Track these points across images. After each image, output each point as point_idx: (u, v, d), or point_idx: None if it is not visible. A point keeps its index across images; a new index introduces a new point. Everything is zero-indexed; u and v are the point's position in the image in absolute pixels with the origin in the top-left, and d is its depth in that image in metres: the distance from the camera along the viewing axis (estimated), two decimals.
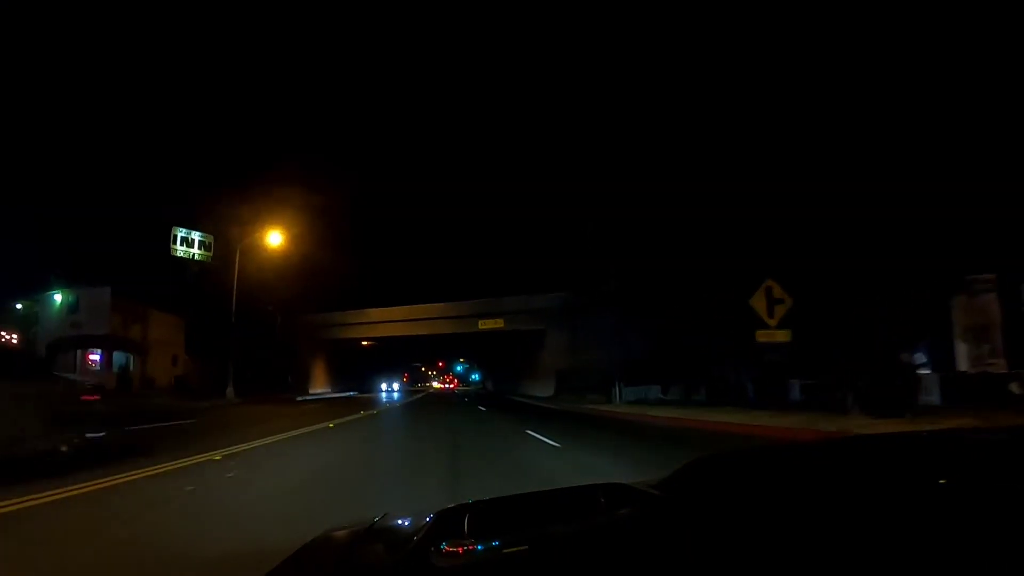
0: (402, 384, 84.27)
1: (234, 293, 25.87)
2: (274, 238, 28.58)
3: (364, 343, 54.38)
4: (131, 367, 27.81)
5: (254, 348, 32.64)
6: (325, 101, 71.65)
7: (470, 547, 1.08)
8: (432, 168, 75.20)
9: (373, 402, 28.75)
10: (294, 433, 10.42)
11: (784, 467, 1.42)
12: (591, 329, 29.20)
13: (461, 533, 1.18)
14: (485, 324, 41.66)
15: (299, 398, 31.33)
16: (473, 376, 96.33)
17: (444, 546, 1.05)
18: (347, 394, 43.13)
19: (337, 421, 13.83)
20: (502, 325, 41.10)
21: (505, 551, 1.07)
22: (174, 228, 30.65)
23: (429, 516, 1.32)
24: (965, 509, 0.87)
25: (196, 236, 31.62)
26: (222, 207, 30.53)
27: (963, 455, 1.23)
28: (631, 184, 25.40)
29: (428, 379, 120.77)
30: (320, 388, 47.22)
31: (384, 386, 65.79)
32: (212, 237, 31.85)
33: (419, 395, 47.50)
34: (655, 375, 24.06)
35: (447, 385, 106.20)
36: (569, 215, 31.31)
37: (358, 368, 61.56)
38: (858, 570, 0.74)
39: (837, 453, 1.49)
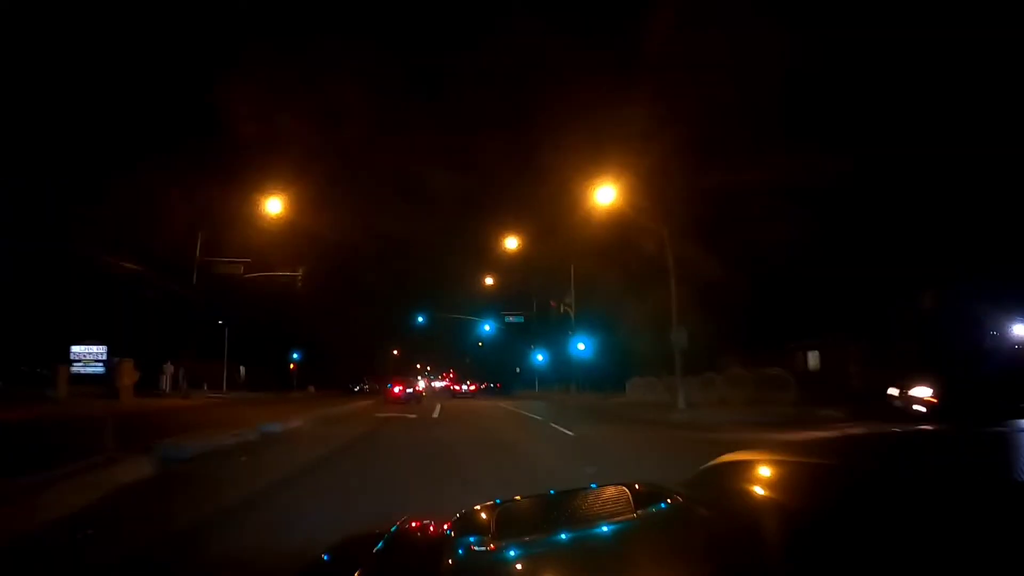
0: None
1: None
2: None
3: None
4: None
5: None
6: None
7: (496, 547, 1.06)
8: None
9: None
10: None
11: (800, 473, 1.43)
12: None
13: (487, 532, 1.16)
14: None
15: None
16: (530, 359, 44.43)
17: (471, 545, 1.05)
18: None
19: None
20: None
21: (530, 550, 1.04)
22: None
23: (456, 515, 1.29)
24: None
25: None
26: None
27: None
28: None
29: (406, 375, 54.76)
30: None
31: None
32: None
33: None
34: None
35: (466, 386, 49.78)
36: None
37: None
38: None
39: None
